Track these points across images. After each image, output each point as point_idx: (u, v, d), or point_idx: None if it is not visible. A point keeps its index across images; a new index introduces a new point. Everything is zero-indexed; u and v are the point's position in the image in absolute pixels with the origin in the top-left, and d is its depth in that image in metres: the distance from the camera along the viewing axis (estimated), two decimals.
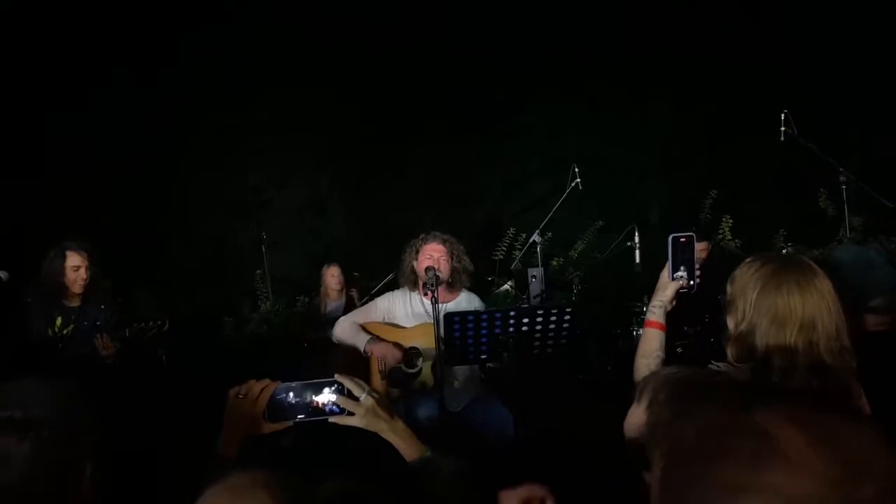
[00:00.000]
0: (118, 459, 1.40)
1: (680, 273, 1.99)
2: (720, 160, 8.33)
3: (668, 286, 2.02)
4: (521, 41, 8.79)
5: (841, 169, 5.40)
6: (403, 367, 3.44)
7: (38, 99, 7.12)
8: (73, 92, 7.41)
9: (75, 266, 3.62)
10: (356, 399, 1.43)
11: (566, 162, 6.39)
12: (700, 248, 5.64)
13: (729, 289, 1.77)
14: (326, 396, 1.43)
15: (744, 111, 7.73)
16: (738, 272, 1.77)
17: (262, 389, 1.43)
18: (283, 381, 1.46)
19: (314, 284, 6.22)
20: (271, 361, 5.79)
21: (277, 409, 1.43)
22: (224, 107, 8.34)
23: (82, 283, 3.64)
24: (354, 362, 3.58)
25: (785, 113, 5.27)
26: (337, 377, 1.45)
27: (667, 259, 2.01)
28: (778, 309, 1.64)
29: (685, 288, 2.01)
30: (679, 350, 4.44)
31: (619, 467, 1.20)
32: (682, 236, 1.99)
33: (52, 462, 1.07)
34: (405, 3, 8.63)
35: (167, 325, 3.68)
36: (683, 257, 1.99)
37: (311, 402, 1.43)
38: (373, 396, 1.44)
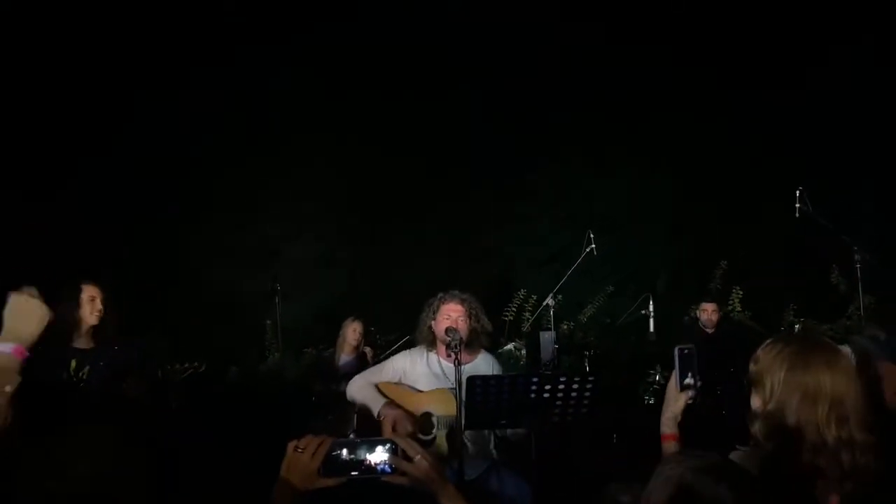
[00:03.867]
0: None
1: (688, 381, 2.06)
2: (731, 231, 8.39)
3: (678, 398, 2.07)
4: (536, 103, 8.97)
5: (855, 248, 5.45)
6: (419, 435, 3.37)
7: (48, 147, 7.21)
8: (87, 140, 7.50)
9: (91, 297, 3.48)
10: (410, 460, 1.46)
11: (575, 224, 6.44)
12: (711, 310, 5.68)
13: (753, 367, 1.79)
14: (380, 455, 1.47)
15: (757, 185, 7.83)
16: (761, 352, 1.79)
17: (319, 444, 1.47)
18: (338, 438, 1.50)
19: (321, 337, 6.13)
20: (280, 413, 5.68)
21: (332, 464, 1.46)
22: (236, 158, 8.44)
23: (98, 315, 3.48)
24: (368, 420, 3.52)
25: (800, 189, 5.37)
26: (392, 437, 1.51)
27: (673, 368, 2.09)
28: (808, 386, 1.67)
29: (691, 399, 2.08)
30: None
31: None
32: (685, 348, 2.09)
33: None
34: (421, 62, 8.85)
35: (204, 367, 3.56)
36: (689, 366, 2.08)
37: (365, 459, 1.47)
38: (426, 459, 1.47)
